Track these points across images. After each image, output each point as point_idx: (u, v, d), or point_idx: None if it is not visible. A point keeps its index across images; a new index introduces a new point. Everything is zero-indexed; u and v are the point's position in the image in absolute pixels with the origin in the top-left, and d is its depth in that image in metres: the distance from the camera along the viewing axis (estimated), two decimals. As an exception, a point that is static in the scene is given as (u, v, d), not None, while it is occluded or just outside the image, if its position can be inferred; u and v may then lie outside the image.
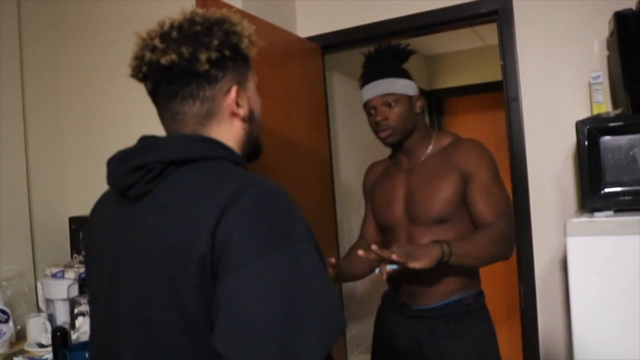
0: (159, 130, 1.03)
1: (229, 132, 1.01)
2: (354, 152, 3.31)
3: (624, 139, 1.60)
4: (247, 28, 1.00)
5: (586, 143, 1.63)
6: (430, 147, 1.86)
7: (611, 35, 1.87)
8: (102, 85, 2.51)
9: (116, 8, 2.43)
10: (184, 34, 0.95)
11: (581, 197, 1.66)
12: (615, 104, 1.94)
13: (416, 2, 2.34)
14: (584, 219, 1.54)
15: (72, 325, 2.06)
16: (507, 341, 2.94)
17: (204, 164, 0.93)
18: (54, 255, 2.41)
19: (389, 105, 1.79)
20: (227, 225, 0.81)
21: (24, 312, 2.20)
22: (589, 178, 1.62)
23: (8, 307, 2.08)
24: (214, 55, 0.94)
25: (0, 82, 2.28)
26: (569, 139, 2.06)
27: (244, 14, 1.94)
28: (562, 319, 2.10)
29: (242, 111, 1.01)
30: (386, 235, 1.92)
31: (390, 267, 1.54)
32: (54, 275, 2.22)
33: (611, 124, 1.61)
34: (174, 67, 0.94)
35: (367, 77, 1.88)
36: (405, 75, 1.84)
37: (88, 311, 1.07)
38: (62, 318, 2.17)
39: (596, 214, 1.59)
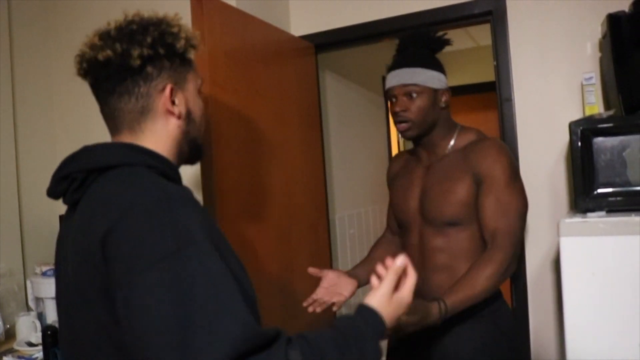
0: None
1: (163, 130, 1.05)
2: (347, 151, 3.31)
3: (616, 140, 1.61)
4: (186, 31, 1.05)
5: (579, 144, 1.64)
6: (452, 143, 1.75)
7: (604, 37, 1.88)
8: (93, 82, 2.48)
9: (109, 2, 2.41)
10: (121, 32, 1.00)
11: (574, 198, 1.67)
12: (607, 106, 1.95)
13: (410, 2, 2.34)
14: (577, 219, 1.55)
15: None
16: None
17: (120, 170, 0.97)
18: (43, 253, 2.39)
19: (410, 96, 1.69)
20: (115, 236, 0.84)
21: (14, 311, 2.18)
22: (582, 179, 1.63)
23: (-3, 306, 2.06)
24: (146, 51, 0.99)
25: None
26: (562, 140, 2.07)
27: (240, 13, 1.94)
28: (554, 319, 2.11)
29: (177, 109, 1.05)
30: (402, 231, 1.89)
31: None
32: (43, 274, 2.20)
33: (604, 125, 1.62)
34: (110, 62, 0.99)
35: (394, 63, 1.77)
36: (435, 66, 1.73)
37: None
38: (52, 317, 2.15)
39: (589, 214, 1.60)
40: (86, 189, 0.97)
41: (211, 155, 1.72)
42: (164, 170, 1.01)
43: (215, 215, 1.70)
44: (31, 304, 2.25)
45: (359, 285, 1.86)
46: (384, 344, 1.94)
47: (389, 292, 1.04)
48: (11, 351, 1.96)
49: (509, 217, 1.60)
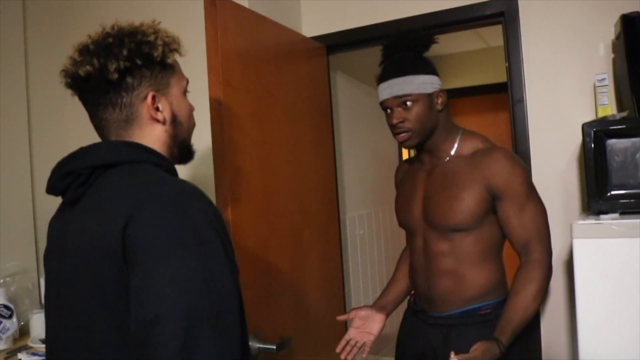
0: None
1: (151, 136, 1.08)
2: (358, 152, 3.32)
3: (630, 142, 1.60)
4: (163, 37, 1.07)
5: (592, 145, 1.63)
6: (455, 147, 1.72)
7: (617, 37, 1.87)
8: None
9: (122, 3, 2.43)
10: (98, 46, 1.04)
11: (586, 200, 1.66)
12: (620, 107, 1.94)
13: (422, 3, 2.34)
14: (591, 221, 1.54)
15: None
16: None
17: (127, 167, 1.01)
18: (57, 252, 2.41)
19: (405, 106, 1.66)
20: (136, 226, 0.88)
21: (27, 308, 2.21)
22: (595, 181, 1.62)
23: (12, 303, 2.08)
24: (123, 64, 1.02)
25: (4, 78, 2.28)
26: (574, 141, 2.06)
27: (252, 14, 1.95)
28: (565, 321, 2.10)
29: (162, 115, 1.08)
30: (407, 235, 1.89)
31: None
32: (57, 272, 2.21)
33: (617, 127, 1.61)
34: (90, 77, 1.03)
35: (383, 73, 1.72)
36: (425, 69, 1.68)
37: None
38: (65, 315, 2.16)
39: (602, 216, 1.60)
40: (90, 185, 1.00)
41: (224, 155, 1.73)
42: (169, 167, 1.07)
43: (228, 215, 1.71)
44: (44, 301, 2.27)
45: (387, 316, 1.90)
46: (392, 340, 1.95)
47: None
48: (25, 348, 1.99)
49: (537, 226, 1.61)
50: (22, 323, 2.15)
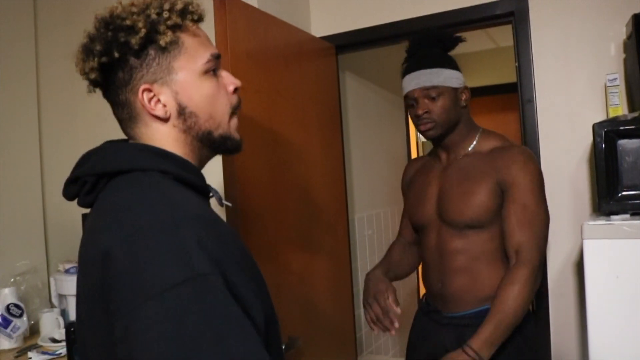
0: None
1: (159, 133, 0.94)
2: (366, 152, 3.31)
3: (641, 142, 1.60)
4: (149, 16, 0.90)
5: (603, 146, 1.62)
6: (473, 144, 1.73)
7: (629, 37, 1.86)
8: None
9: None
10: (85, 45, 0.93)
11: (597, 200, 1.65)
12: (631, 107, 1.93)
13: (431, 3, 2.33)
14: (601, 221, 1.53)
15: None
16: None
17: (131, 177, 0.88)
18: (67, 251, 2.42)
19: (431, 98, 1.66)
20: (114, 262, 0.75)
21: (37, 307, 2.22)
22: (606, 181, 1.61)
23: (22, 302, 2.09)
24: (97, 62, 0.90)
25: (15, 78, 2.29)
26: (584, 142, 2.05)
27: (262, 13, 1.95)
28: (575, 322, 2.09)
29: (164, 110, 0.93)
30: (419, 234, 1.86)
31: None
32: (67, 271, 2.23)
33: (629, 127, 1.60)
34: (89, 81, 0.95)
35: (409, 66, 1.72)
36: (451, 65, 1.70)
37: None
38: (74, 314, 2.17)
39: (612, 217, 1.58)
40: (98, 192, 0.90)
41: (233, 155, 1.73)
42: (179, 174, 0.91)
43: (237, 215, 1.72)
44: (54, 300, 2.29)
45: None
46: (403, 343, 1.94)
47: None
48: (35, 347, 2.00)
49: (534, 228, 1.59)
50: (32, 322, 2.16)
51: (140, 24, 0.89)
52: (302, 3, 2.54)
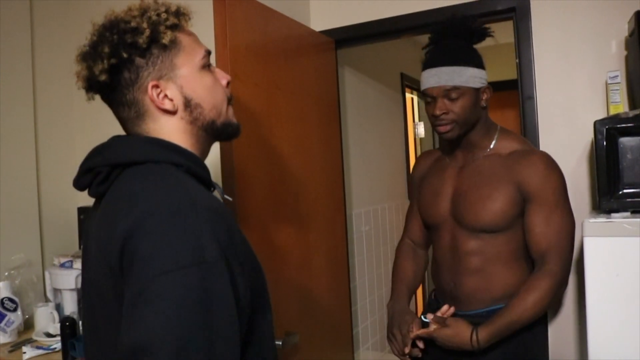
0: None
1: (167, 127, 1.00)
2: (365, 148, 3.30)
3: (642, 140, 1.58)
4: (150, 17, 0.97)
5: (604, 143, 1.61)
6: (491, 146, 1.67)
7: (631, 34, 1.84)
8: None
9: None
10: (90, 47, 0.97)
11: (597, 198, 1.64)
12: (632, 105, 1.92)
13: (431, -2, 2.32)
14: (602, 219, 1.52)
15: (80, 315, 2.05)
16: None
17: (145, 168, 0.94)
18: (62, 245, 2.41)
19: (450, 98, 1.58)
20: (134, 241, 0.82)
21: (32, 302, 2.20)
22: (607, 179, 1.60)
23: (16, 296, 2.07)
24: (107, 63, 0.94)
25: (10, 71, 2.27)
26: (584, 139, 2.04)
27: (261, 6, 1.93)
28: (573, 319, 2.08)
29: (172, 104, 0.99)
30: (431, 233, 1.83)
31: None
32: (62, 265, 2.21)
33: (630, 124, 1.59)
34: (91, 82, 0.98)
35: (431, 59, 1.62)
36: (475, 62, 1.61)
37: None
38: (69, 308, 2.16)
39: (613, 215, 1.58)
40: (111, 183, 0.95)
41: (231, 149, 1.71)
42: (190, 167, 0.97)
43: (235, 210, 1.70)
44: (49, 294, 2.27)
45: None
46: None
47: None
48: (30, 341, 1.98)
49: (560, 238, 1.57)
50: (27, 316, 2.14)
51: (144, 25, 0.96)
52: (301, -4, 2.52)
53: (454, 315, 1.68)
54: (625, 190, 1.59)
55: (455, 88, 1.57)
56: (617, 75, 1.91)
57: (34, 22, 2.41)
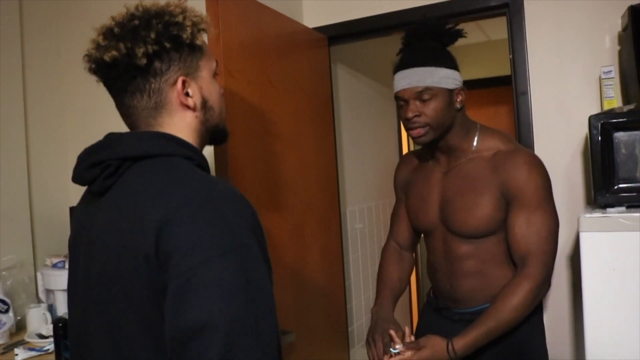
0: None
1: (181, 123, 1.03)
2: (358, 145, 3.29)
3: (637, 135, 1.59)
4: (191, 17, 1.01)
5: (599, 138, 1.61)
6: (474, 147, 1.63)
7: (624, 29, 1.84)
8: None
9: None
10: (124, 29, 0.97)
11: (592, 193, 1.64)
12: (626, 100, 1.92)
13: (424, -6, 2.31)
14: (598, 214, 1.52)
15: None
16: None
17: (158, 160, 0.96)
18: (54, 245, 2.38)
19: (423, 100, 1.54)
20: (171, 231, 0.84)
21: (24, 303, 2.17)
22: (602, 174, 1.60)
23: (8, 297, 2.05)
24: (151, 48, 0.96)
25: (1, 71, 2.24)
26: (579, 134, 2.04)
27: (254, 3, 1.92)
28: (569, 315, 2.09)
29: (192, 101, 1.03)
30: (424, 236, 1.81)
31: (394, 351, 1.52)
32: (54, 266, 2.19)
33: (625, 119, 1.59)
34: (117, 63, 0.97)
35: (402, 61, 1.58)
36: (448, 63, 1.57)
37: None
38: (62, 309, 2.14)
39: (608, 210, 1.58)
40: (119, 176, 0.96)
41: (225, 146, 1.70)
42: (200, 162, 1.01)
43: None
44: (41, 295, 2.25)
45: None
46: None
47: None
48: (22, 343, 1.96)
49: (540, 239, 1.52)
50: (19, 317, 2.11)
51: (188, 22, 1.00)
52: (294, -7, 2.50)
53: (455, 312, 1.69)
54: (620, 185, 1.59)
55: (427, 89, 1.53)
56: (611, 71, 1.91)
57: (23, 19, 2.38)
